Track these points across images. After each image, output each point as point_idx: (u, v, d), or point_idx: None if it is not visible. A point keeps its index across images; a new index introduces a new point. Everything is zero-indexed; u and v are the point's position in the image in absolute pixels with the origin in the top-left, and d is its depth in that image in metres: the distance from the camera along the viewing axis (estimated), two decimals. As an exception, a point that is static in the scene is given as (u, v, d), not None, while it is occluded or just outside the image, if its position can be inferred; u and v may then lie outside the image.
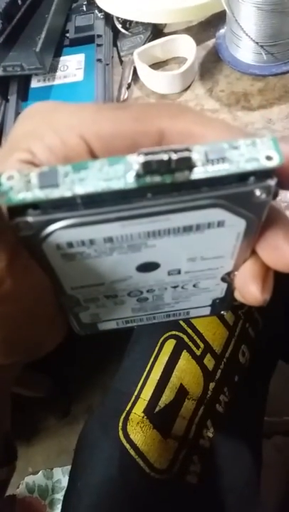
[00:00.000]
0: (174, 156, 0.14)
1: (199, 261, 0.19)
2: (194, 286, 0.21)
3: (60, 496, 0.58)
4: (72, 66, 0.43)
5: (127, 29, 0.44)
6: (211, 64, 0.35)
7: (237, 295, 0.21)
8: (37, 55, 0.36)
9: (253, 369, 0.46)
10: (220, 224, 0.16)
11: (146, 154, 0.14)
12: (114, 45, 0.44)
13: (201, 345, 0.44)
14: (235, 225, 0.16)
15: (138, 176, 0.14)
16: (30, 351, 0.21)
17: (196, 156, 0.14)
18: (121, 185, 0.14)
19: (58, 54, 0.43)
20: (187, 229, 0.16)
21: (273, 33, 0.31)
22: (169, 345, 0.44)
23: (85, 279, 0.19)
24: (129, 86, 0.41)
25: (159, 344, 0.45)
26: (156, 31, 0.43)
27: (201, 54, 0.37)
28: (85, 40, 0.43)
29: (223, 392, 0.43)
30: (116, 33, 0.45)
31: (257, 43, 0.32)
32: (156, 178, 0.14)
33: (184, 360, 0.43)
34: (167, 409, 0.42)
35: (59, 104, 0.18)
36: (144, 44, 0.42)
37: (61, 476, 0.62)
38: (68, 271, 0.18)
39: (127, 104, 0.25)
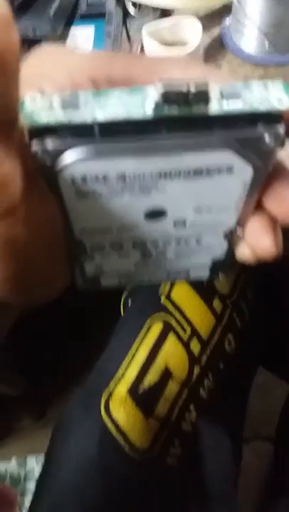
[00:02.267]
0: (193, 88, 0.14)
1: (205, 212, 0.19)
2: (197, 241, 0.21)
3: (32, 485, 0.56)
4: (81, 39, 0.44)
5: (136, 11, 0.46)
6: (215, 50, 0.37)
7: (245, 252, 0.21)
8: (50, 20, 0.38)
9: (238, 359, 0.46)
10: (229, 170, 0.17)
11: (165, 83, 0.14)
12: (124, 24, 0.46)
13: (188, 329, 0.44)
14: (243, 172, 0.17)
15: (157, 106, 0.14)
16: (38, 292, 0.21)
17: (212, 91, 0.15)
18: (139, 114, 0.14)
19: (68, 25, 0.45)
20: (198, 172, 0.17)
21: (277, 23, 0.33)
22: (156, 328, 0.44)
23: (95, 221, 0.19)
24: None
25: (146, 326, 0.45)
26: (165, 16, 0.45)
27: (206, 41, 0.39)
28: (95, 17, 0.45)
29: (207, 378, 0.44)
30: (126, 14, 0.47)
31: (260, 31, 0.33)
32: (174, 110, 0.14)
33: (171, 343, 0.44)
34: (151, 390, 0.42)
35: (70, 48, 0.19)
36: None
37: (35, 465, 0.61)
38: (79, 210, 0.18)
39: (139, 55, 0.26)
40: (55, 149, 0.15)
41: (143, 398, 0.41)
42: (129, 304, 0.51)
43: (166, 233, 0.20)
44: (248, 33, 0.35)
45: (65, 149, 0.15)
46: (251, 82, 0.15)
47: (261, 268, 0.51)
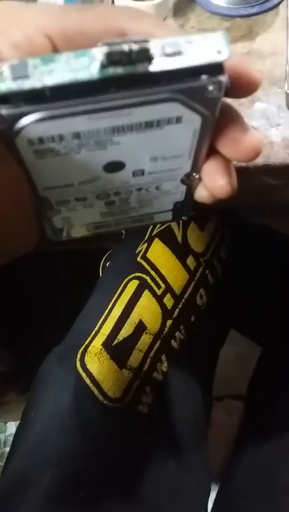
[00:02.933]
0: (135, 47, 0.15)
1: (161, 161, 0.20)
2: (157, 188, 0.22)
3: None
4: (53, -6, 0.45)
5: None
6: (184, 4, 0.38)
7: (203, 194, 0.22)
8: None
9: (209, 314, 0.48)
10: (178, 120, 0.18)
11: (108, 45, 0.15)
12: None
13: (162, 285, 0.46)
14: (192, 121, 0.18)
15: (102, 66, 0.15)
16: (12, 245, 0.22)
17: (154, 48, 0.15)
18: (86, 76, 0.15)
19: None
20: (148, 125, 0.18)
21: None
22: (132, 286, 0.46)
23: (56, 178, 0.20)
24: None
25: (122, 285, 0.46)
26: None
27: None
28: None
29: (179, 330, 0.45)
30: None
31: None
32: (119, 70, 0.15)
33: (145, 298, 0.45)
34: (125, 342, 0.43)
35: (24, 3, 0.19)
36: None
37: (14, 430, 0.62)
38: (40, 169, 0.19)
39: (92, 6, 0.26)
40: (9, 115, 0.16)
41: (117, 350, 0.43)
42: (107, 265, 0.52)
43: (127, 183, 0.21)
44: (216, -13, 0.35)
45: (20, 114, 0.16)
46: (192, 36, 0.16)
47: (235, 228, 0.53)
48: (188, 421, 0.45)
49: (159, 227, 0.48)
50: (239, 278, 0.54)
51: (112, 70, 0.15)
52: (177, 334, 0.45)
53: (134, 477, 0.42)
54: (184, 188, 0.23)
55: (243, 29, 0.35)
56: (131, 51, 0.15)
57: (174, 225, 0.47)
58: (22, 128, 0.16)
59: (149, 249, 0.47)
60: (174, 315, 0.45)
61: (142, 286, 0.45)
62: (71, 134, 0.17)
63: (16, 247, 0.23)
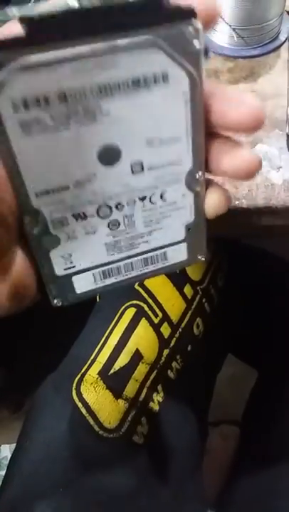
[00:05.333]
0: None
1: (158, 146, 0.19)
2: (162, 198, 0.21)
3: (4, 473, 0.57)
4: None
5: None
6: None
7: (213, 198, 0.21)
8: None
9: (206, 342, 0.48)
10: (164, 78, 0.17)
11: None
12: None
13: (160, 314, 0.46)
14: (179, 81, 0.18)
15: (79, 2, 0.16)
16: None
17: None
18: (63, 7, 0.16)
19: None
20: (135, 83, 0.17)
21: (245, 18, 0.35)
22: (129, 313, 0.46)
23: (49, 173, 0.18)
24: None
25: (119, 312, 0.46)
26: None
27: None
28: None
29: (175, 360, 0.45)
30: None
31: (230, 26, 0.35)
32: (96, 1, 0.16)
33: (142, 327, 0.45)
34: (121, 371, 0.43)
35: None
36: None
37: (8, 453, 0.62)
38: (29, 155, 0.17)
39: None
40: None
41: (113, 380, 0.43)
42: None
43: (127, 185, 0.20)
44: (219, 28, 0.36)
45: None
46: None
47: (232, 256, 0.53)
48: (184, 451, 0.45)
49: None
50: (236, 304, 0.54)
51: (87, 2, 0.16)
52: (174, 364, 0.45)
53: (129, 506, 0.42)
54: (191, 198, 0.21)
55: (245, 70, 0.36)
56: None
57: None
58: (3, 83, 0.15)
59: (147, 277, 0.48)
60: (171, 344, 0.45)
61: (139, 314, 0.46)
62: (57, 96, 0.16)
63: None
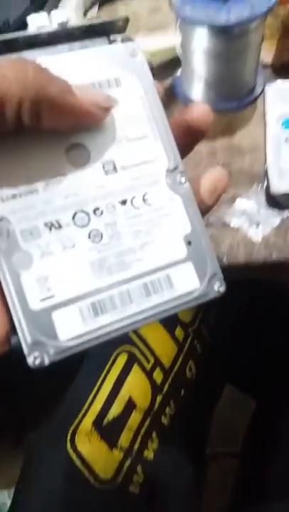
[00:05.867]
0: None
1: (126, 144, 0.20)
2: (144, 201, 0.19)
3: (3, 517, 0.56)
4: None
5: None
6: (167, 98, 0.40)
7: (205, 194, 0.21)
8: None
9: (199, 384, 0.48)
10: (117, 82, 0.20)
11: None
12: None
13: (151, 359, 0.46)
14: (131, 83, 0.20)
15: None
16: None
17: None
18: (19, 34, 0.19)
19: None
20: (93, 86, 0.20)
21: (219, 76, 0.36)
22: (121, 360, 0.46)
23: (15, 171, 0.17)
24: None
25: (111, 358, 0.46)
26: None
27: (160, 90, 0.41)
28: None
29: (169, 405, 0.45)
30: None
31: (206, 83, 0.36)
32: (45, 30, 0.19)
33: (135, 373, 0.45)
34: (115, 421, 0.43)
35: None
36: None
37: (7, 500, 0.61)
38: None
39: None
40: None
41: (107, 430, 0.43)
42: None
43: (102, 187, 0.19)
44: (196, 84, 0.37)
45: None
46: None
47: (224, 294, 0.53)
48: (181, 496, 0.45)
49: None
50: (229, 338, 0.54)
51: (38, 31, 0.19)
52: (167, 410, 0.45)
53: None
54: (179, 202, 0.20)
55: (223, 124, 0.36)
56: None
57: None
58: None
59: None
60: (164, 390, 0.45)
61: (131, 360, 0.46)
62: None
63: None
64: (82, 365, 0.49)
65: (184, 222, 0.19)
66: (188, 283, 0.19)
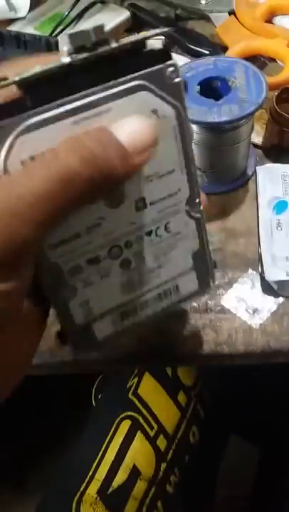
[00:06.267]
0: (93, 36, 0.17)
1: (156, 180, 0.20)
2: (166, 229, 0.22)
3: None
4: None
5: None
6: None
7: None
8: None
9: (203, 449, 0.49)
10: (154, 113, 0.19)
11: (70, 35, 0.16)
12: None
13: (155, 426, 0.47)
14: (167, 114, 0.19)
15: (70, 53, 0.16)
16: None
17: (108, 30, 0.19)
18: (57, 63, 0.16)
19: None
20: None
21: (211, 163, 0.38)
22: (125, 426, 0.47)
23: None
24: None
25: (115, 424, 0.47)
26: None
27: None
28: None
29: (174, 473, 0.46)
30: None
31: (199, 169, 0.38)
32: (84, 54, 0.17)
33: (138, 441, 0.46)
34: (120, 490, 0.44)
35: None
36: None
37: None
38: None
39: None
40: None
41: (112, 499, 0.43)
42: (99, 397, 0.53)
43: (133, 223, 0.21)
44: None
45: (5, 128, 0.16)
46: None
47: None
48: None
49: None
50: (231, 398, 0.55)
51: (78, 56, 0.17)
52: (172, 478, 0.46)
53: None
54: (193, 225, 0.22)
55: (217, 207, 0.38)
56: (89, 32, 0.17)
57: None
58: (11, 146, 0.16)
59: (140, 385, 0.49)
60: (168, 457, 0.46)
61: (135, 427, 0.46)
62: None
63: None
64: (85, 430, 0.50)
65: (195, 241, 0.23)
66: (190, 287, 0.24)
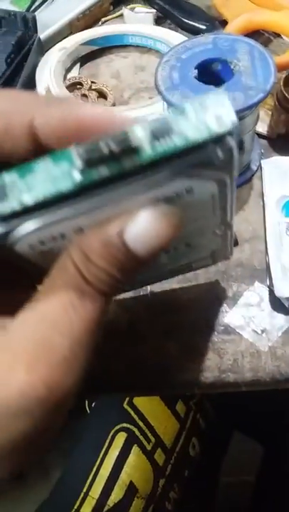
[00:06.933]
0: (114, 146, 0.13)
1: (189, 224, 0.18)
2: (187, 245, 0.21)
3: None
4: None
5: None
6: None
7: None
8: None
9: (203, 462, 0.46)
10: (188, 191, 0.15)
11: (86, 149, 0.13)
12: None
13: (152, 439, 0.44)
14: (206, 187, 0.15)
15: (83, 173, 0.13)
16: None
17: (140, 135, 0.13)
18: (69, 186, 0.13)
19: None
20: (157, 201, 0.15)
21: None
22: (120, 439, 0.44)
23: None
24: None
25: (109, 437, 0.44)
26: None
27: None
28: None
29: (172, 489, 0.43)
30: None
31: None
32: (104, 171, 0.13)
33: (135, 455, 0.43)
34: (116, 508, 0.41)
35: None
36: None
37: None
38: (51, 263, 0.16)
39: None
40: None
41: None
42: (93, 405, 0.50)
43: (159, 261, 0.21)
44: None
45: (7, 233, 0.14)
46: (186, 106, 0.13)
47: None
48: None
49: None
50: (235, 404, 0.52)
51: (96, 174, 0.13)
52: (171, 494, 0.43)
53: None
54: (218, 239, 0.21)
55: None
56: (111, 151, 0.13)
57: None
58: (17, 240, 0.15)
59: (136, 394, 0.45)
60: (167, 472, 0.43)
61: (131, 440, 0.43)
62: (73, 231, 0.15)
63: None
64: (77, 440, 0.47)
65: (216, 244, 0.23)
66: (203, 263, 0.25)
